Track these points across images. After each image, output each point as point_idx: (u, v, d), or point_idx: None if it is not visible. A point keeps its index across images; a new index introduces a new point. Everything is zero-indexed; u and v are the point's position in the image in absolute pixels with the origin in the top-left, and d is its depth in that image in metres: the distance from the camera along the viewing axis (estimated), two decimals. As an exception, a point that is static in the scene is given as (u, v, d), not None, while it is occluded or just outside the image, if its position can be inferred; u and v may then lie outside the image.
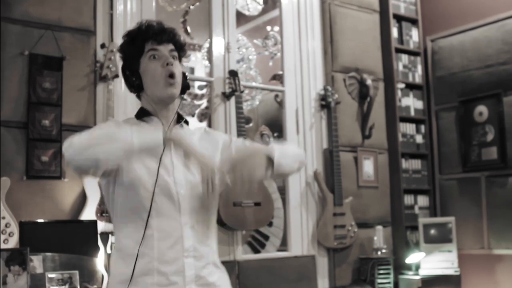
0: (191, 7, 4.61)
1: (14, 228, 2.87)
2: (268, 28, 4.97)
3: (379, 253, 4.20)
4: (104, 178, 1.77)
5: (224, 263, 1.90)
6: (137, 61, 1.85)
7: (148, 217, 1.73)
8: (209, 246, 1.84)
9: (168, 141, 1.73)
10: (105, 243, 3.07)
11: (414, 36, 4.90)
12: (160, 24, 1.86)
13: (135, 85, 1.87)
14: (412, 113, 4.79)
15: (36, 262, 2.75)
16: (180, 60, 1.90)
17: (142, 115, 1.87)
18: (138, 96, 1.92)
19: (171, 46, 1.86)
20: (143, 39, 1.84)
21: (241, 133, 3.68)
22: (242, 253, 3.89)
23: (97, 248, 3.01)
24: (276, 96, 4.69)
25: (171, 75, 1.82)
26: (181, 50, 1.91)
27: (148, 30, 1.84)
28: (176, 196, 1.78)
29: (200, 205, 1.82)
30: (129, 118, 1.92)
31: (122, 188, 1.76)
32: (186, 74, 1.92)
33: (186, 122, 1.94)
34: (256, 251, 4.40)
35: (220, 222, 3.48)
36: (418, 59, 4.89)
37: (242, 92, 3.89)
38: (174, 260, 1.75)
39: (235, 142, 1.99)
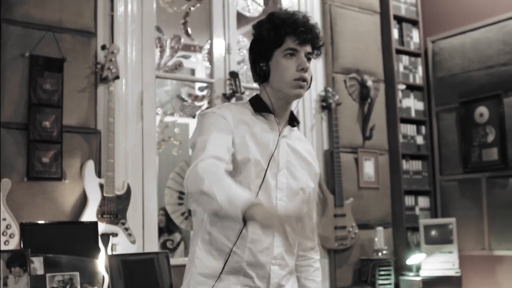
0: (192, 8, 4.61)
1: (15, 229, 2.87)
2: (269, 29, 4.96)
3: (379, 254, 4.20)
4: None
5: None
6: (271, 51, 1.78)
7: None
8: (293, 256, 1.85)
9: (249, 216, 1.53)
10: (105, 244, 3.07)
11: (414, 37, 4.90)
12: (306, 20, 1.77)
13: (261, 73, 1.80)
14: (413, 114, 4.79)
15: (37, 263, 2.74)
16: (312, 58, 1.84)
17: (261, 107, 1.82)
18: (259, 84, 1.85)
19: (309, 48, 1.79)
20: (286, 32, 1.75)
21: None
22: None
23: (98, 249, 3.01)
24: (277, 97, 4.68)
25: (303, 80, 1.77)
26: (318, 49, 1.83)
27: (293, 24, 1.75)
28: (275, 201, 1.75)
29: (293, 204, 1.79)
30: (244, 104, 1.85)
31: None
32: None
33: (298, 123, 1.91)
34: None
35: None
36: (419, 60, 4.89)
37: (242, 93, 3.89)
38: (262, 265, 1.74)
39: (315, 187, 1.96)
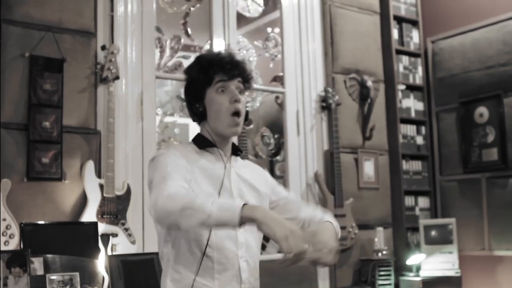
0: (192, 8, 4.61)
1: (15, 229, 2.87)
2: (269, 29, 4.97)
3: (379, 254, 4.20)
4: None
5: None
6: (204, 90, 1.88)
7: (206, 246, 1.76)
8: (258, 279, 1.89)
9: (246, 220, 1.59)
10: (105, 244, 3.07)
11: (414, 37, 4.90)
12: (232, 57, 1.89)
13: (198, 112, 1.90)
14: (413, 114, 4.79)
15: (37, 263, 2.75)
16: (244, 91, 1.94)
17: (204, 144, 1.90)
18: (198, 124, 1.95)
19: (239, 81, 1.90)
20: (214, 71, 1.86)
21: (241, 135, 3.68)
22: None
23: (98, 249, 3.01)
24: (277, 97, 4.69)
25: (237, 113, 1.85)
26: (248, 82, 1.94)
27: (220, 62, 1.87)
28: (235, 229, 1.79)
29: (253, 238, 1.87)
30: (186, 145, 1.93)
31: None
32: (247, 106, 1.97)
33: (241, 152, 1.99)
34: (257, 252, 4.39)
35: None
36: (419, 60, 4.89)
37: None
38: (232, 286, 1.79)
39: (278, 187, 2.06)
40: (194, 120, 1.96)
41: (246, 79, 1.93)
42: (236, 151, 1.96)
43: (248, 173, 1.96)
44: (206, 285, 1.76)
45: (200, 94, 1.88)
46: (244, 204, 1.56)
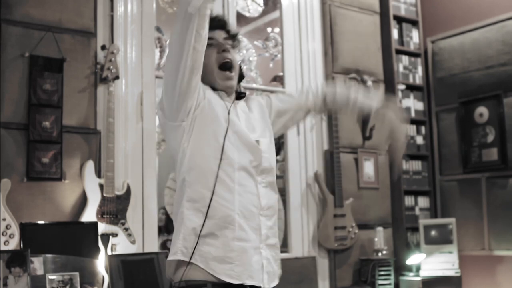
0: (192, 8, 4.60)
1: (15, 229, 2.87)
2: (269, 29, 4.97)
3: (379, 254, 4.20)
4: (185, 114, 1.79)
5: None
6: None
7: (222, 153, 1.75)
8: (275, 208, 1.87)
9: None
10: (105, 244, 3.07)
11: (414, 37, 4.90)
12: (215, 14, 1.88)
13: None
14: (413, 114, 4.79)
15: (37, 263, 2.75)
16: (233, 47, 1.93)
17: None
18: None
19: (224, 34, 1.90)
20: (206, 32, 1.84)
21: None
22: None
23: (98, 249, 3.01)
24: (277, 97, 4.69)
25: (226, 63, 1.86)
26: (234, 39, 1.94)
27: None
28: (259, 152, 1.81)
29: (270, 165, 1.86)
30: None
31: (199, 130, 1.79)
32: (240, 63, 1.96)
33: (244, 95, 1.99)
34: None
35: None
36: (419, 60, 4.89)
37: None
38: (252, 215, 1.76)
39: (272, 96, 2.10)
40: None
41: (229, 32, 1.93)
42: (239, 95, 1.96)
43: (251, 110, 1.98)
44: (226, 205, 1.73)
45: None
46: None
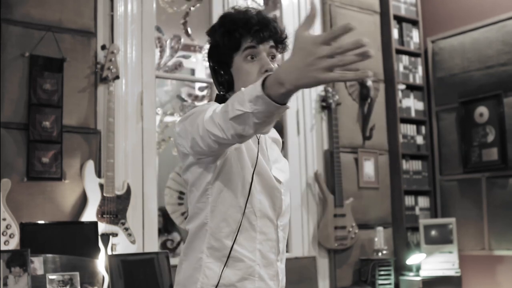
0: (192, 8, 4.61)
1: (15, 229, 2.87)
2: (269, 29, 4.97)
3: (379, 254, 4.20)
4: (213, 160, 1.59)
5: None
6: (230, 56, 1.65)
7: (245, 209, 1.59)
8: (285, 249, 1.77)
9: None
10: (105, 244, 3.07)
11: (414, 37, 4.90)
12: (261, 16, 1.62)
13: (224, 82, 1.66)
14: (413, 114, 4.79)
15: (37, 263, 2.75)
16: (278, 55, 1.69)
17: None
18: (224, 95, 1.69)
19: (271, 44, 1.65)
20: (241, 34, 1.62)
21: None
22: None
23: (98, 249, 3.01)
24: (277, 97, 4.69)
25: None
26: (282, 44, 1.70)
27: (247, 24, 1.62)
28: (279, 194, 1.67)
29: (286, 206, 1.72)
30: None
31: (224, 182, 1.61)
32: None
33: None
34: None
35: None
36: (419, 60, 4.89)
37: (242, 93, 3.88)
38: (271, 264, 1.67)
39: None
40: (219, 91, 1.70)
41: (279, 41, 1.67)
42: None
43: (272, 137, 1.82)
44: (247, 256, 1.61)
45: (226, 61, 1.65)
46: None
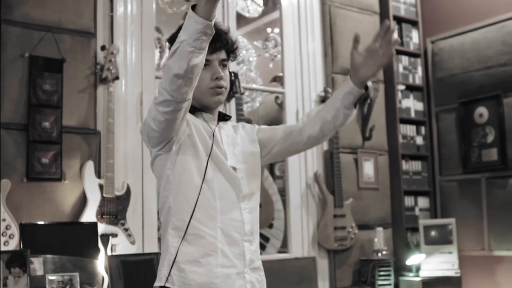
0: (191, 9, 4.60)
1: (15, 230, 2.87)
2: (269, 30, 4.97)
3: (379, 254, 4.20)
4: (166, 147, 1.78)
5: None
6: None
7: (203, 182, 1.76)
8: (257, 232, 1.89)
9: None
10: (105, 245, 3.07)
11: (414, 37, 4.90)
12: (216, 28, 1.74)
13: None
14: (413, 114, 4.79)
15: (37, 264, 2.75)
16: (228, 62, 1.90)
17: (193, 109, 1.86)
18: None
19: (223, 55, 1.85)
20: None
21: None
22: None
23: (98, 250, 3.01)
24: (277, 97, 4.69)
25: (219, 88, 1.82)
26: (232, 53, 1.90)
27: None
28: (238, 181, 1.83)
29: (250, 191, 1.88)
30: None
31: (181, 162, 1.78)
32: (232, 75, 1.92)
33: (229, 117, 1.96)
34: (257, 252, 4.39)
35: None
36: (418, 60, 4.90)
37: (242, 94, 3.89)
38: (236, 243, 1.78)
39: (267, 131, 2.04)
40: None
41: (230, 51, 1.88)
42: (224, 117, 1.92)
43: (236, 135, 1.96)
44: (209, 233, 1.75)
45: None
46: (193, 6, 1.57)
